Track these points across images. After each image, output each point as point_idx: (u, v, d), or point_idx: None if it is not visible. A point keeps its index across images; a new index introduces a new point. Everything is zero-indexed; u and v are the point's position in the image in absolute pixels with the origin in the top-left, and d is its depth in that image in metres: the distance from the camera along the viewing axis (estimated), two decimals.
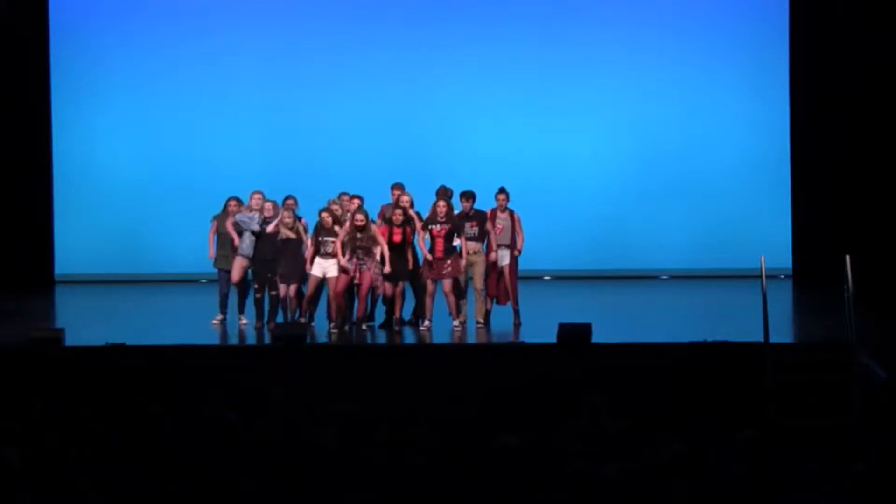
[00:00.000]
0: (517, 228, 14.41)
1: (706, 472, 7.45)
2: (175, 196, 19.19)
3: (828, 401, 11.99)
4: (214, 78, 19.29)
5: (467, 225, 14.18)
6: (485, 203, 14.50)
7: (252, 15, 19.34)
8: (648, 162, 19.08)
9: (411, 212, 14.30)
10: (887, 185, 18.22)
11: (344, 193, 14.80)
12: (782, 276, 18.59)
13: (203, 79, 19.31)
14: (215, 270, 14.87)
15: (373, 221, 14.27)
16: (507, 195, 14.47)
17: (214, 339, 14.12)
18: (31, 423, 8.98)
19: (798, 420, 11.77)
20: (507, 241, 14.37)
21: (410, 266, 14.20)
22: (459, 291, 14.34)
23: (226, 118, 19.31)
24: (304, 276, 14.22)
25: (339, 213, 14.27)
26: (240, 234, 14.41)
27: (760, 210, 19.00)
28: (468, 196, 14.26)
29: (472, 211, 14.27)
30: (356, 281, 14.01)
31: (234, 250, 14.49)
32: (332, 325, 14.05)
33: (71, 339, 13.15)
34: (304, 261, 14.10)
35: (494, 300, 14.51)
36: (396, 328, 14.11)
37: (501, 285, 14.39)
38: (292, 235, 14.19)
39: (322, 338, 13.67)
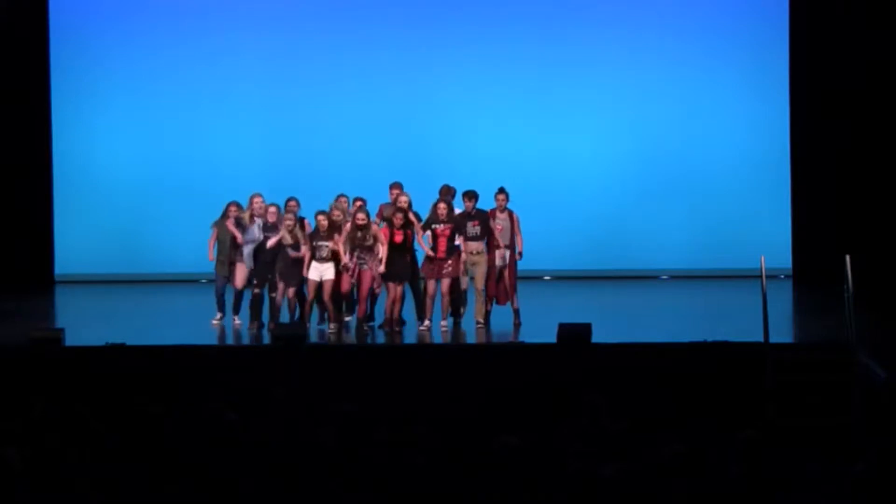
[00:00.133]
0: (516, 229, 14.41)
1: (706, 472, 7.46)
2: (175, 196, 19.17)
3: (828, 401, 12.00)
4: (214, 78, 19.28)
5: (469, 224, 14.18)
6: (485, 203, 14.50)
7: (252, 15, 19.33)
8: (648, 162, 19.07)
9: (410, 214, 14.30)
10: (887, 185, 18.21)
11: (343, 195, 14.78)
12: (782, 276, 18.59)
13: (203, 79, 19.30)
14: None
15: (373, 221, 14.28)
16: (507, 195, 14.47)
17: (214, 340, 14.13)
18: (31, 423, 8.98)
19: (798, 420, 11.77)
20: (507, 242, 14.37)
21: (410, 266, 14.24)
22: (458, 293, 14.36)
23: (226, 118, 19.30)
24: (303, 279, 14.22)
25: (339, 217, 14.21)
26: (242, 233, 14.43)
27: (760, 210, 18.99)
28: (471, 196, 14.27)
29: (475, 210, 14.27)
30: (353, 280, 14.02)
31: (237, 247, 14.48)
32: (330, 325, 14.06)
33: (71, 339, 13.16)
34: (303, 263, 14.10)
35: (494, 300, 14.51)
36: (396, 328, 14.11)
37: (501, 285, 14.39)
38: (291, 241, 14.17)
39: (322, 339, 13.69)
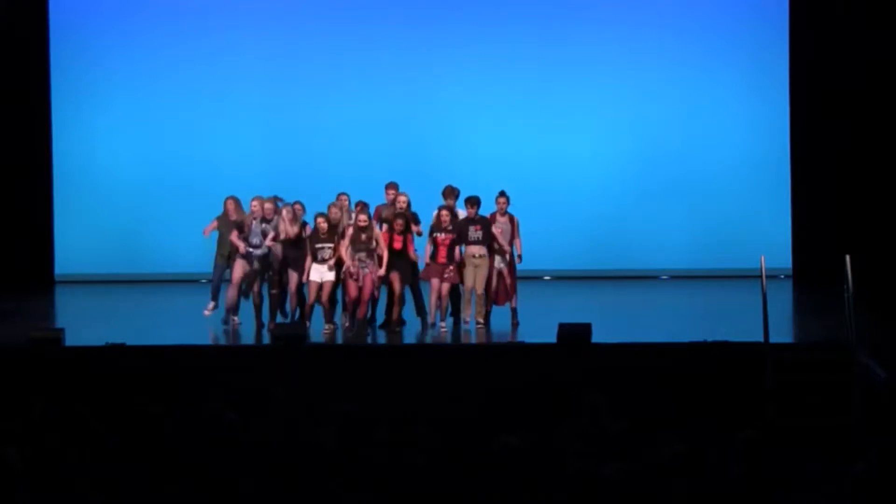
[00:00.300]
0: (516, 233, 14.43)
1: (706, 472, 7.46)
2: (175, 196, 19.17)
3: (828, 401, 12.00)
4: (214, 78, 19.28)
5: (472, 228, 14.22)
6: (485, 204, 14.50)
7: (252, 15, 19.33)
8: (648, 162, 19.07)
9: (408, 215, 14.33)
10: (887, 185, 18.21)
11: (343, 193, 14.78)
12: (782, 276, 18.59)
13: (203, 79, 19.30)
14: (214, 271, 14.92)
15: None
16: (508, 199, 14.48)
17: (214, 340, 14.12)
18: (31, 423, 8.98)
19: (798, 420, 11.78)
20: (506, 245, 14.40)
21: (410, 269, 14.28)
22: (458, 295, 14.39)
23: (226, 118, 19.30)
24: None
25: (337, 216, 14.23)
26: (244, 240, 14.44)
27: (760, 210, 18.99)
28: (473, 202, 14.31)
29: (478, 216, 14.31)
30: (360, 284, 14.02)
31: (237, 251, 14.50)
32: (326, 326, 14.07)
33: (71, 339, 13.16)
34: (304, 249, 14.14)
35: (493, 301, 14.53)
36: (397, 328, 14.11)
37: (500, 287, 14.40)
38: (291, 233, 14.19)
39: (320, 338, 13.71)
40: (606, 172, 19.12)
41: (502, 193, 14.52)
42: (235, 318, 14.61)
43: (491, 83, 19.09)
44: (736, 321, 14.10)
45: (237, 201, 14.76)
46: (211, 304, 14.75)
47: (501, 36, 19.11)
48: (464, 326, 14.23)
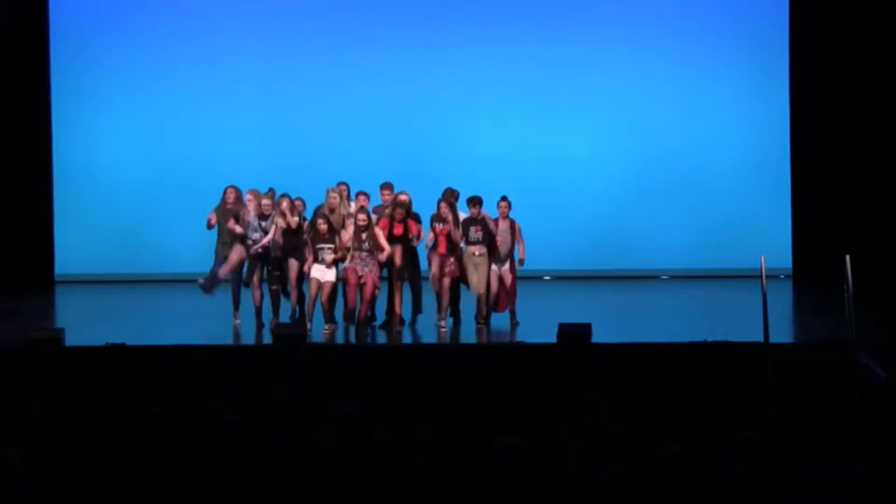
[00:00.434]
0: (518, 237, 14.45)
1: (706, 472, 7.46)
2: (175, 196, 19.17)
3: (828, 401, 12.00)
4: (214, 78, 19.28)
5: (472, 228, 14.25)
6: (485, 204, 14.50)
7: (252, 15, 19.33)
8: (648, 162, 19.07)
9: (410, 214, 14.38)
10: (887, 185, 18.21)
11: (343, 182, 14.82)
12: (782, 276, 18.59)
13: (203, 79, 19.30)
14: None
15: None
16: (510, 204, 14.48)
17: (214, 340, 14.11)
18: (31, 423, 8.98)
19: (798, 420, 11.78)
20: (507, 250, 14.40)
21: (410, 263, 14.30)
22: (457, 293, 14.39)
23: (226, 118, 19.31)
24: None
25: (336, 201, 14.27)
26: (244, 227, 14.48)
27: (760, 210, 18.99)
28: (475, 202, 14.33)
29: (479, 217, 14.32)
30: (362, 281, 14.04)
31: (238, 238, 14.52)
32: (326, 326, 14.07)
33: (71, 339, 13.16)
34: (301, 237, 14.16)
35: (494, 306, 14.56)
36: (397, 328, 14.12)
37: (501, 291, 14.40)
38: (288, 225, 14.22)
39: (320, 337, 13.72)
40: (606, 172, 19.12)
41: (504, 198, 14.53)
42: (236, 319, 14.62)
43: (491, 83, 19.09)
44: (736, 321, 14.10)
45: (238, 191, 14.80)
46: (201, 281, 14.71)
47: (501, 36, 19.11)
48: (475, 326, 14.24)
